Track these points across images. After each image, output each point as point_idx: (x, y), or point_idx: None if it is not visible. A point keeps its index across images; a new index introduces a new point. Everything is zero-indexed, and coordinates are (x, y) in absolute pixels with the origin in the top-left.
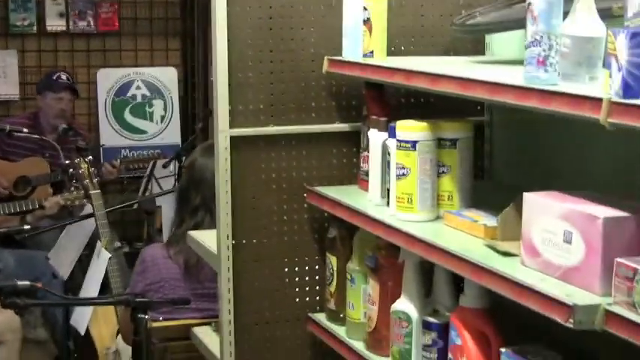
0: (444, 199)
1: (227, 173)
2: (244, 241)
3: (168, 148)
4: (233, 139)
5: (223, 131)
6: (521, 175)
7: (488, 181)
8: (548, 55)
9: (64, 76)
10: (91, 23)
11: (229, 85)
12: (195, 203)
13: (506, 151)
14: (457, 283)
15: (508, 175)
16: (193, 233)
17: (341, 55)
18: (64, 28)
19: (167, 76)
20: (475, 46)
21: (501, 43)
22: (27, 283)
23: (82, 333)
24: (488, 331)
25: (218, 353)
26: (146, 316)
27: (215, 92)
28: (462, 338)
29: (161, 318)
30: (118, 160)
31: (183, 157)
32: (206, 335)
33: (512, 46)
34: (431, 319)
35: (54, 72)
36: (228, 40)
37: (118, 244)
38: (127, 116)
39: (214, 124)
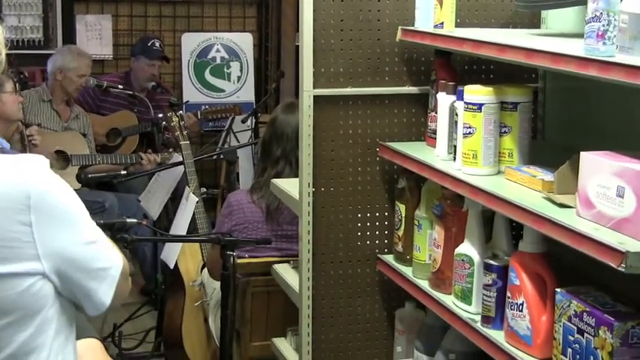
0: (505, 156)
1: (310, 128)
2: (323, 189)
3: (243, 105)
4: (316, 98)
5: (307, 91)
6: (570, 137)
7: (541, 141)
8: (607, 30)
9: (157, 44)
10: None
11: (314, 50)
12: (276, 155)
13: (558, 115)
14: (513, 232)
15: (558, 136)
16: (276, 181)
17: (413, 25)
18: None
19: (243, 41)
20: (532, 20)
21: (556, 18)
22: (134, 220)
23: (172, 267)
24: (545, 273)
25: (297, 287)
26: (234, 253)
27: (301, 56)
28: (520, 279)
29: (247, 255)
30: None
31: (259, 114)
32: (285, 272)
33: (566, 21)
34: (492, 262)
35: (149, 38)
36: (314, 10)
37: (203, 189)
38: (207, 76)
39: (300, 85)
